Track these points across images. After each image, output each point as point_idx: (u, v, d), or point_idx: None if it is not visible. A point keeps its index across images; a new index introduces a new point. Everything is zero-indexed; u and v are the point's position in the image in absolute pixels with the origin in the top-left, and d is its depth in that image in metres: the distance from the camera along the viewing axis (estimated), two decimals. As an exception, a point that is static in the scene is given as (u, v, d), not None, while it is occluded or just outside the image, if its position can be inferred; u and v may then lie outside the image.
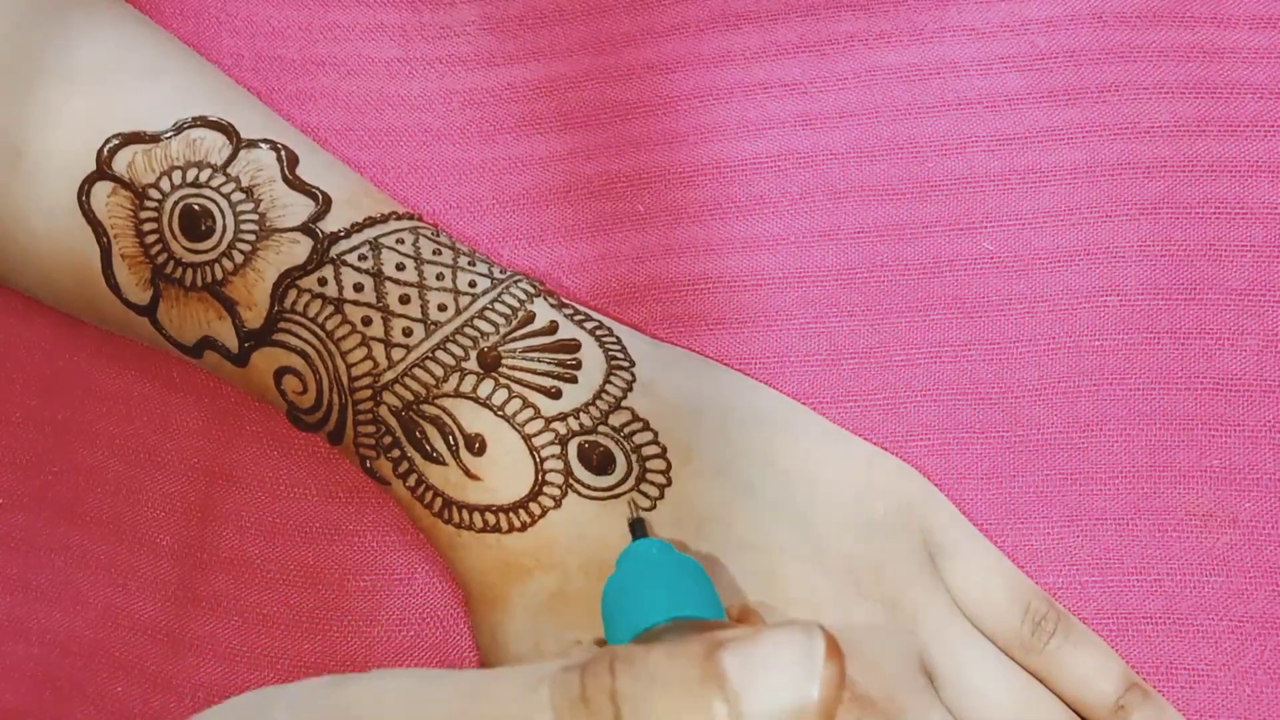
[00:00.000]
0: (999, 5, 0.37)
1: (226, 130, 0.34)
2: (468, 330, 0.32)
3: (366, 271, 0.33)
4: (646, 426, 0.32)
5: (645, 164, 0.37)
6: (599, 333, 0.34)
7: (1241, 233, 0.35)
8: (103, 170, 0.33)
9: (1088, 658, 0.33)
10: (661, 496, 0.32)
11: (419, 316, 0.32)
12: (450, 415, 0.32)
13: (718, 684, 0.22)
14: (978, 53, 0.37)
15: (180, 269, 0.33)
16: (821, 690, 0.21)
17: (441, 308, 0.33)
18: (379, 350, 0.32)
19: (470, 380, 0.32)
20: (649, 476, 0.32)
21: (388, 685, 0.24)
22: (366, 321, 0.32)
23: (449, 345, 0.32)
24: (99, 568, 0.37)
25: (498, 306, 0.33)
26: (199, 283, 0.33)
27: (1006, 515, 0.34)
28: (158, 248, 0.33)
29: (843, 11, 0.38)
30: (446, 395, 0.32)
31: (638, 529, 0.30)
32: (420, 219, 0.35)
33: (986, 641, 0.32)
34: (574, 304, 0.35)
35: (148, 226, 0.33)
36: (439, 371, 0.32)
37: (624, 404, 0.33)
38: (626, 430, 0.32)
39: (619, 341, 0.34)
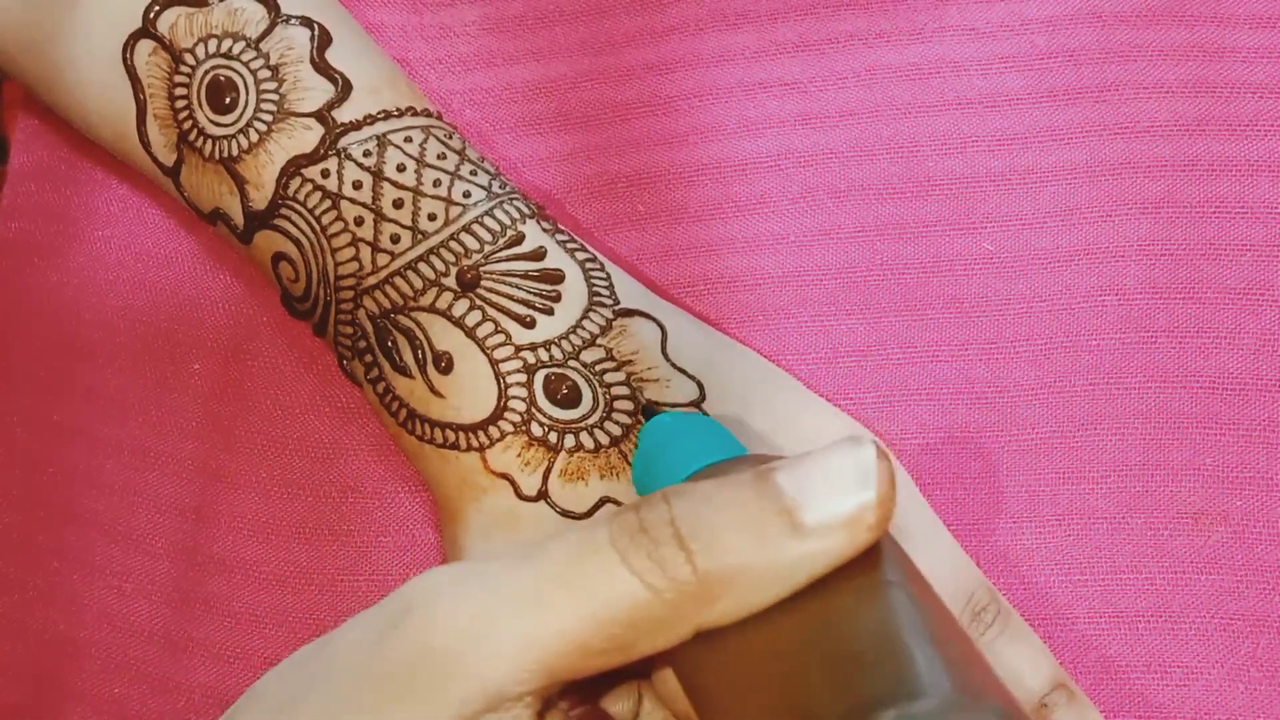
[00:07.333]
0: (999, 5, 0.37)
1: (267, 3, 0.34)
2: (452, 244, 0.32)
3: (367, 169, 0.33)
4: (619, 367, 0.32)
5: (645, 164, 0.37)
6: (588, 265, 0.34)
7: (1241, 232, 0.35)
8: (147, 29, 0.34)
9: (1020, 653, 0.33)
10: (625, 436, 0.32)
11: (408, 224, 0.32)
12: (422, 329, 0.32)
13: (773, 499, 0.23)
14: (978, 52, 0.37)
15: (201, 138, 0.33)
16: (880, 487, 0.23)
17: (431, 217, 0.32)
18: (365, 253, 0.32)
19: (446, 297, 0.32)
20: (614, 416, 0.32)
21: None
22: (359, 221, 0.32)
23: (431, 258, 0.32)
24: (95, 569, 0.37)
25: (487, 221, 0.33)
26: (216, 155, 0.33)
27: (1000, 514, 0.34)
28: (185, 113, 0.34)
29: (842, 10, 0.38)
30: (421, 309, 0.32)
31: (649, 411, 0.31)
32: (439, 117, 0.35)
33: None
34: (568, 231, 0.34)
35: (179, 91, 0.34)
36: (418, 284, 0.32)
37: (599, 342, 0.32)
38: (598, 368, 0.32)
39: (608, 278, 0.34)
